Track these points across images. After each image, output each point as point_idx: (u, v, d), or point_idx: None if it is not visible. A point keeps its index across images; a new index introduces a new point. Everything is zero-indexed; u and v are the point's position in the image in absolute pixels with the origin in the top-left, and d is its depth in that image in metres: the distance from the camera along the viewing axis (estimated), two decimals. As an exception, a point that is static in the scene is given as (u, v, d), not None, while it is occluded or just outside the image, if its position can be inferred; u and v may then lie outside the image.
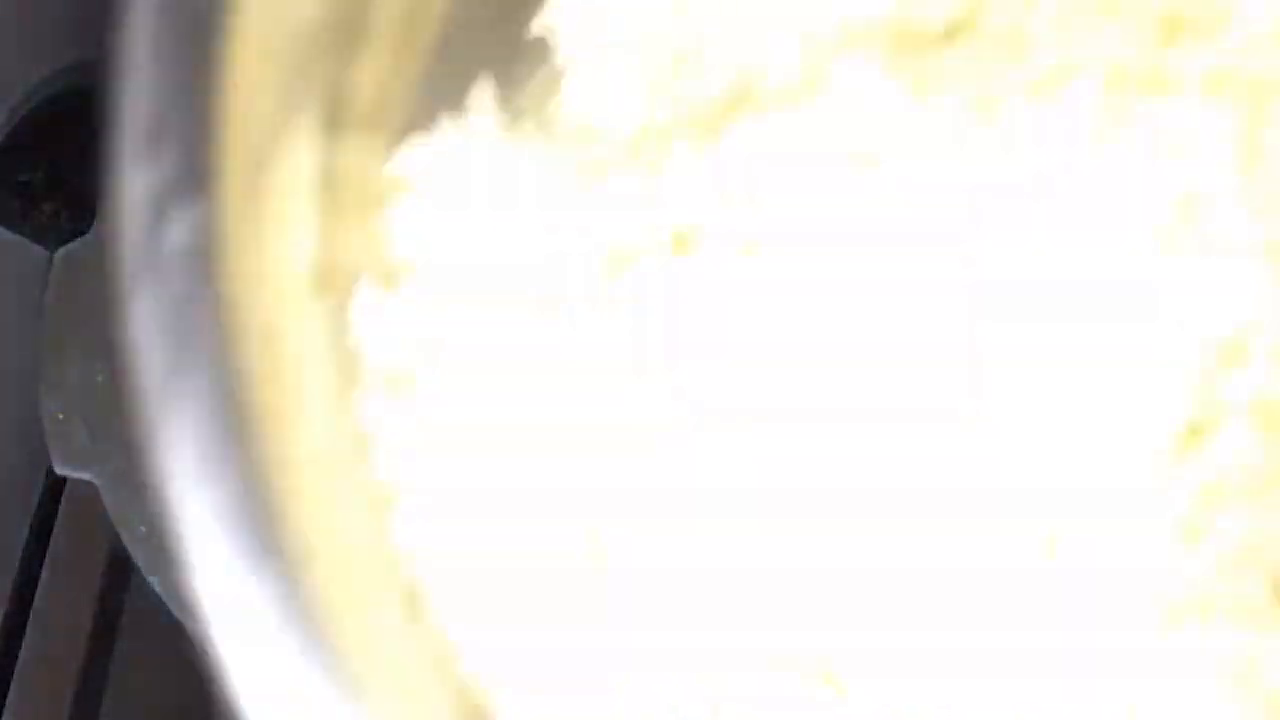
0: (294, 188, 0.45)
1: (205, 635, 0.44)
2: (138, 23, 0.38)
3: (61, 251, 0.54)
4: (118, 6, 0.48)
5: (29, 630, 0.63)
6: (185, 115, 0.39)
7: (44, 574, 0.65)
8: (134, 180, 0.36)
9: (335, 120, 0.49)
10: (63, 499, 0.68)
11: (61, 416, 0.48)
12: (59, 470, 0.49)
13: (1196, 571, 0.45)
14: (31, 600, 0.63)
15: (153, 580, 0.46)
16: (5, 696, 0.61)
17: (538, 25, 0.60)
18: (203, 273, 0.37)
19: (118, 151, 0.37)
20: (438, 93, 0.56)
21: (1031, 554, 0.44)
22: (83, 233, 0.54)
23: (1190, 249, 0.48)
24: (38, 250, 0.67)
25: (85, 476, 0.49)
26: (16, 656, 0.62)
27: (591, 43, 0.57)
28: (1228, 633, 0.44)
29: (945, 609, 0.43)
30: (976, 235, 0.47)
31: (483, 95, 0.54)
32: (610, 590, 0.43)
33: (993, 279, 0.47)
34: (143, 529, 0.47)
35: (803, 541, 0.44)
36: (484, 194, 0.52)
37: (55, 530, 0.67)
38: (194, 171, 0.39)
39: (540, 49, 0.60)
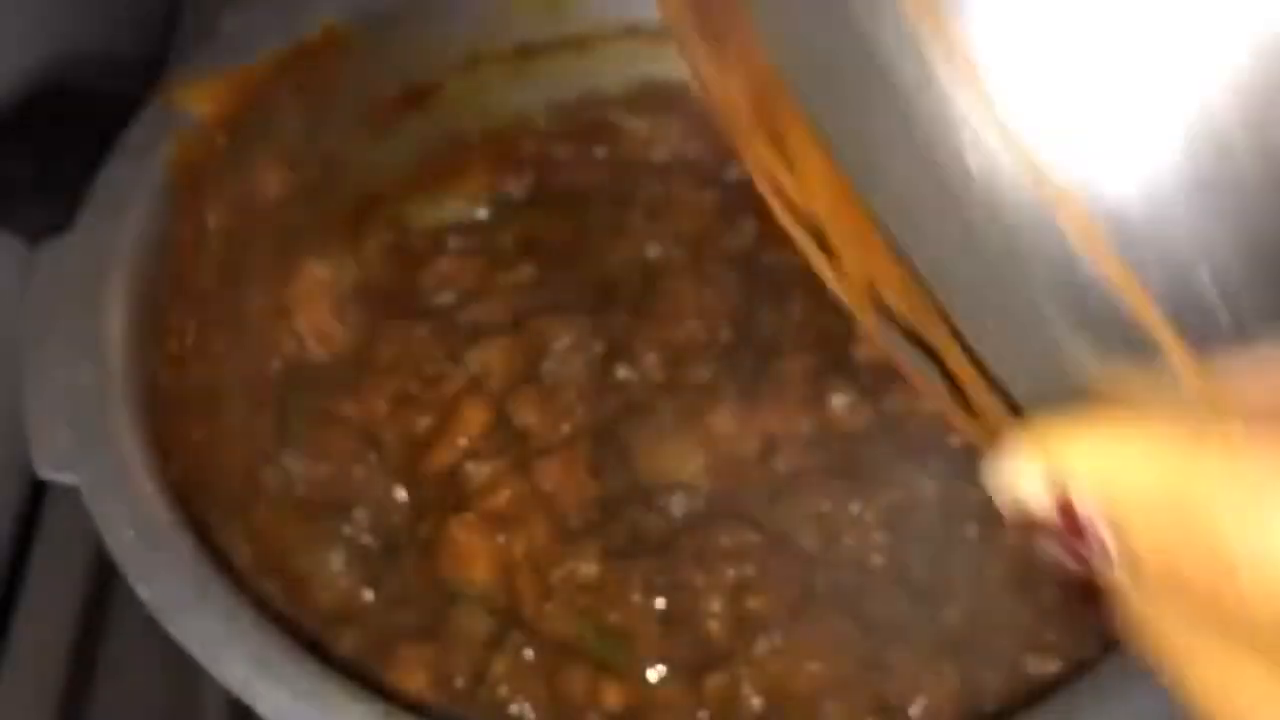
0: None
1: (187, 638, 0.44)
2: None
3: (44, 247, 0.52)
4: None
5: (11, 637, 0.61)
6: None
7: (27, 579, 0.64)
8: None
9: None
10: (46, 503, 0.67)
11: (44, 418, 0.47)
12: (41, 474, 0.48)
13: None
14: (14, 606, 0.63)
15: (138, 585, 0.44)
16: (-12, 704, 0.60)
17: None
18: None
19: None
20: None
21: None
22: (66, 228, 0.53)
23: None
24: (19, 246, 0.67)
25: (68, 480, 0.47)
26: (0, 662, 0.61)
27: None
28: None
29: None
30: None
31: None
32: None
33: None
34: (130, 533, 0.46)
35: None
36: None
37: (39, 535, 0.66)
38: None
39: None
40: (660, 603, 0.50)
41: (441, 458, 0.55)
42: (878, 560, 0.51)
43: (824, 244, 0.24)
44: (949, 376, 0.24)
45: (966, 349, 0.22)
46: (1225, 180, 0.19)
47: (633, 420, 0.56)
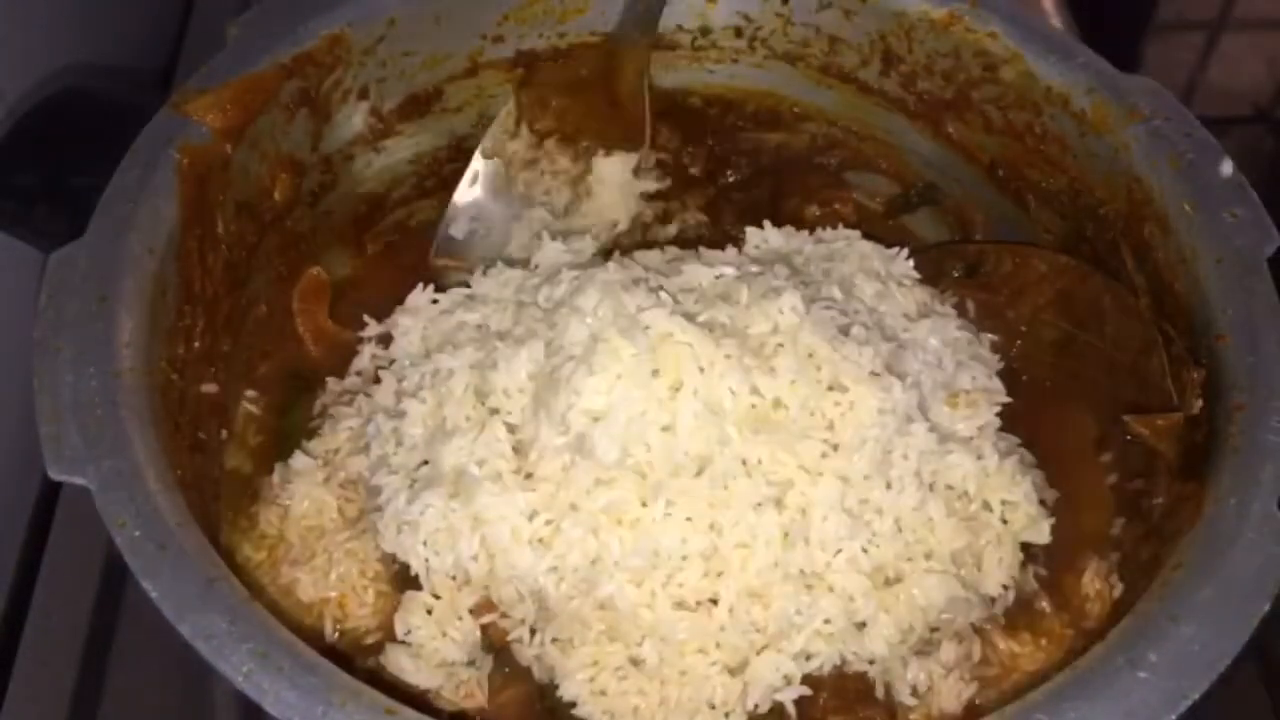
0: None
1: (193, 634, 0.45)
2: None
3: (56, 254, 0.53)
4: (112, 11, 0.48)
5: (25, 635, 0.63)
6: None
7: (40, 579, 0.65)
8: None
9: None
10: (58, 504, 0.68)
11: (55, 420, 0.48)
12: (53, 475, 0.48)
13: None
14: (28, 605, 0.64)
15: (146, 583, 0.45)
16: (2, 700, 0.61)
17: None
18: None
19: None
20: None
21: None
22: (77, 235, 0.54)
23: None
24: (32, 252, 0.68)
25: (79, 481, 0.48)
26: (13, 661, 0.62)
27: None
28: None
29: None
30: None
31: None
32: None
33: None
34: (137, 532, 0.47)
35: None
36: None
37: (51, 535, 0.67)
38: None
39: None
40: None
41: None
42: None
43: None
44: None
45: None
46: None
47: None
